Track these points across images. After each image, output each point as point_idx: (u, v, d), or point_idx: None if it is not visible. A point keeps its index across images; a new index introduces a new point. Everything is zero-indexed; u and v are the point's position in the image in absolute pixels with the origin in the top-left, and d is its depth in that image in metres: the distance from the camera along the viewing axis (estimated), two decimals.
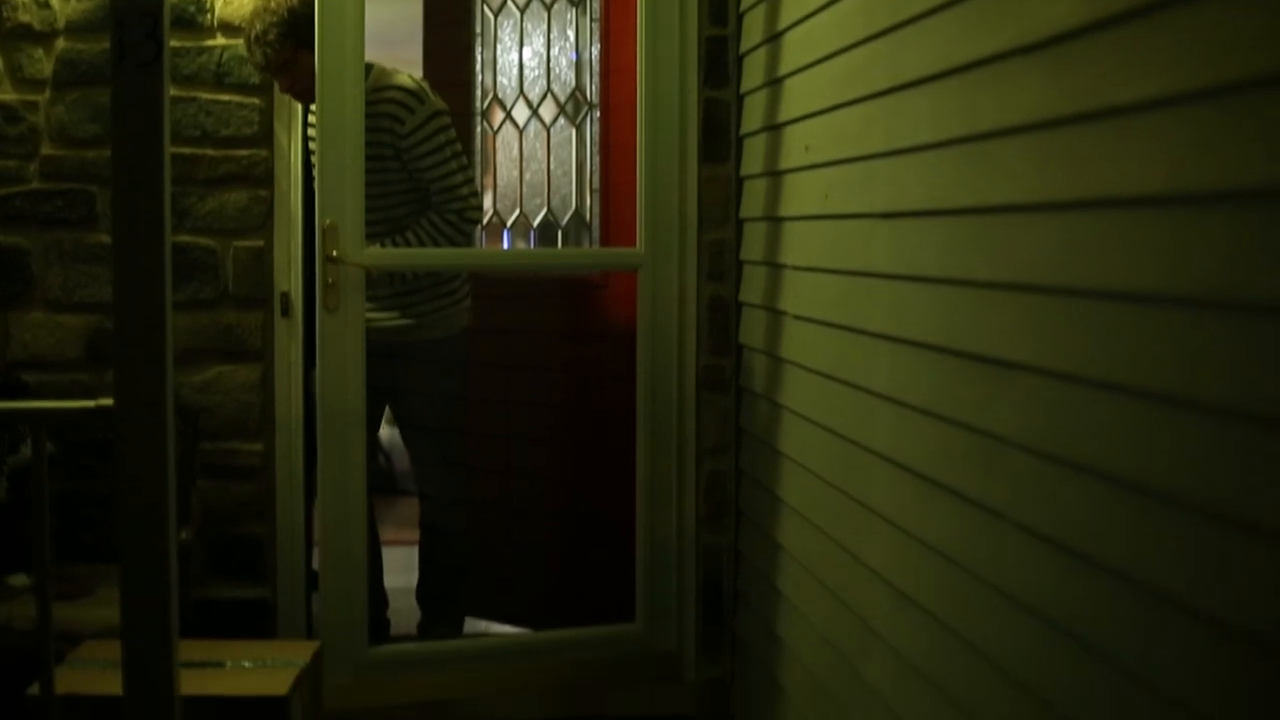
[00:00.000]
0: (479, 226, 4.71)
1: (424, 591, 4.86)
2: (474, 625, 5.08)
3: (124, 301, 1.77)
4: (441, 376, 4.76)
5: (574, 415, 5.17)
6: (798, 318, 3.65)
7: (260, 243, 4.34)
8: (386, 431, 5.31)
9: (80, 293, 4.32)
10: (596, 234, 5.11)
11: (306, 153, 4.47)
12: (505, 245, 5.46)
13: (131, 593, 1.81)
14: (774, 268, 3.86)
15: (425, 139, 4.39)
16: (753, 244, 4.11)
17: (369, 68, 4.26)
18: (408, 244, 4.37)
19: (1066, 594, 2.11)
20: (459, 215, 4.42)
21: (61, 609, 3.16)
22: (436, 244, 4.38)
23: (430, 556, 4.87)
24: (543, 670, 4.30)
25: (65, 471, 4.08)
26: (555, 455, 5.23)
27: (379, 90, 4.36)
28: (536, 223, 5.28)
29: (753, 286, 4.10)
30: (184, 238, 4.29)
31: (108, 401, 1.85)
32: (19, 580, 3.91)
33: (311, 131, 4.39)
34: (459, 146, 4.52)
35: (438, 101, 4.46)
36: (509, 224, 5.35)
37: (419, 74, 4.80)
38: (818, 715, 3.48)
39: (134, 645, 1.83)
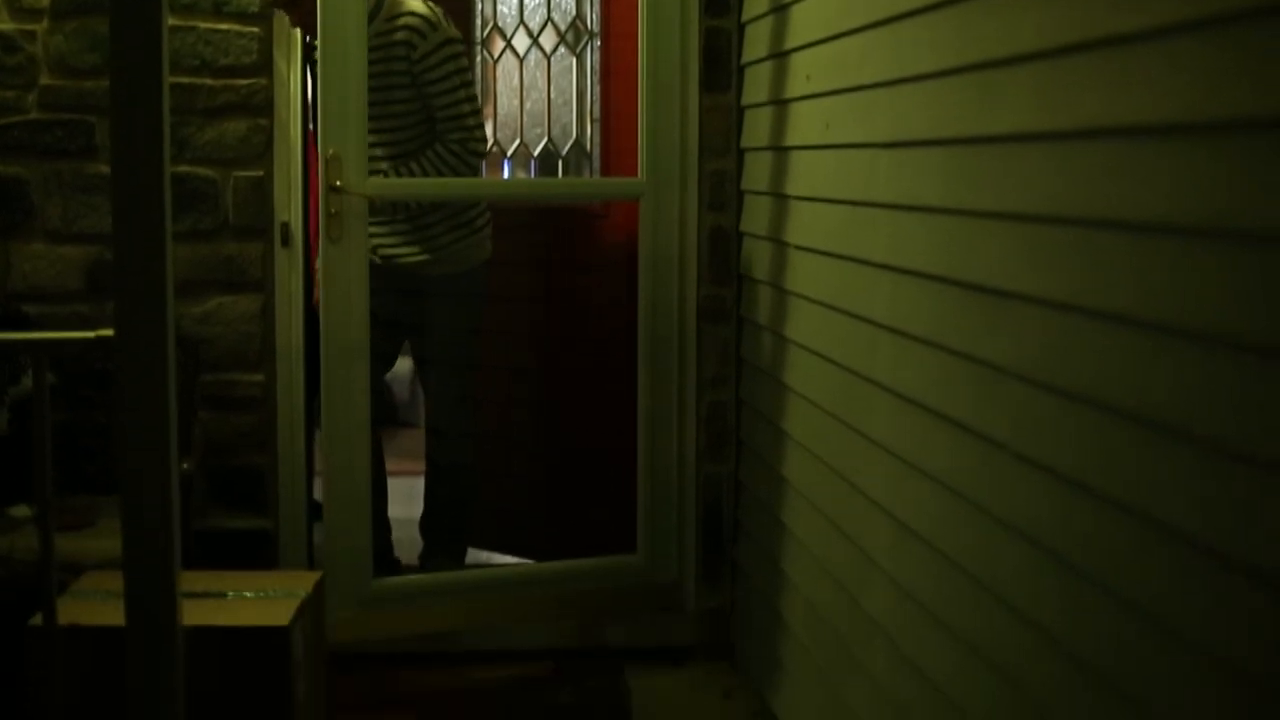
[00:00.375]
0: (482, 158, 4.69)
1: (429, 524, 4.86)
2: (476, 556, 5.09)
3: (123, 232, 1.76)
4: (462, 312, 4.74)
5: (574, 345, 5.16)
6: (799, 248, 3.64)
7: (260, 172, 4.32)
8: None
9: (80, 223, 4.30)
10: (597, 164, 5.09)
11: (312, 84, 4.45)
12: (506, 175, 5.45)
13: (132, 524, 1.81)
14: (775, 198, 3.85)
15: (435, 65, 4.37)
16: (754, 174, 4.10)
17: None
18: (411, 174, 4.36)
19: (1066, 524, 2.12)
20: (461, 145, 4.39)
21: (63, 540, 3.17)
22: (441, 174, 4.37)
23: (437, 489, 4.87)
24: (544, 601, 4.32)
25: (66, 402, 4.07)
26: (555, 385, 5.23)
27: (393, 19, 4.34)
28: (537, 152, 5.26)
29: (754, 217, 4.09)
30: (183, 168, 4.27)
31: (108, 332, 1.83)
32: (20, 511, 3.92)
33: None
34: (469, 77, 4.49)
35: (450, 29, 4.43)
36: (509, 154, 5.33)
37: None
38: (817, 644, 3.50)
39: (135, 576, 1.83)
